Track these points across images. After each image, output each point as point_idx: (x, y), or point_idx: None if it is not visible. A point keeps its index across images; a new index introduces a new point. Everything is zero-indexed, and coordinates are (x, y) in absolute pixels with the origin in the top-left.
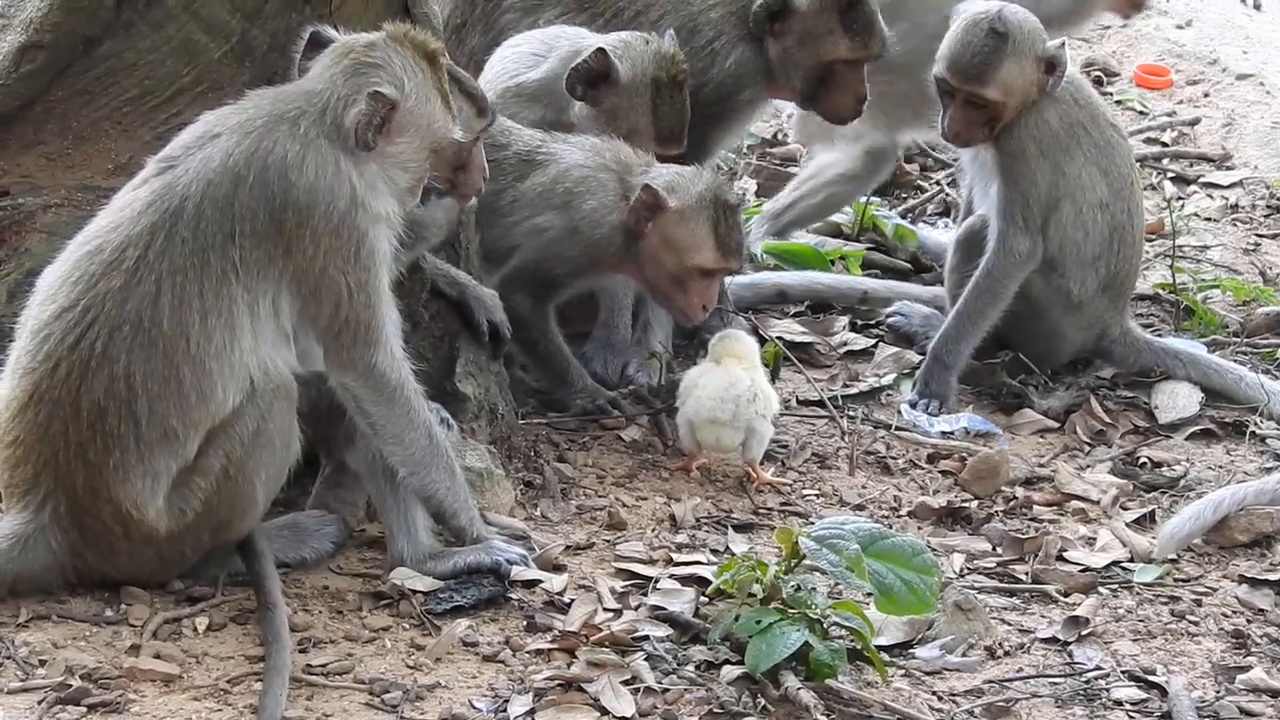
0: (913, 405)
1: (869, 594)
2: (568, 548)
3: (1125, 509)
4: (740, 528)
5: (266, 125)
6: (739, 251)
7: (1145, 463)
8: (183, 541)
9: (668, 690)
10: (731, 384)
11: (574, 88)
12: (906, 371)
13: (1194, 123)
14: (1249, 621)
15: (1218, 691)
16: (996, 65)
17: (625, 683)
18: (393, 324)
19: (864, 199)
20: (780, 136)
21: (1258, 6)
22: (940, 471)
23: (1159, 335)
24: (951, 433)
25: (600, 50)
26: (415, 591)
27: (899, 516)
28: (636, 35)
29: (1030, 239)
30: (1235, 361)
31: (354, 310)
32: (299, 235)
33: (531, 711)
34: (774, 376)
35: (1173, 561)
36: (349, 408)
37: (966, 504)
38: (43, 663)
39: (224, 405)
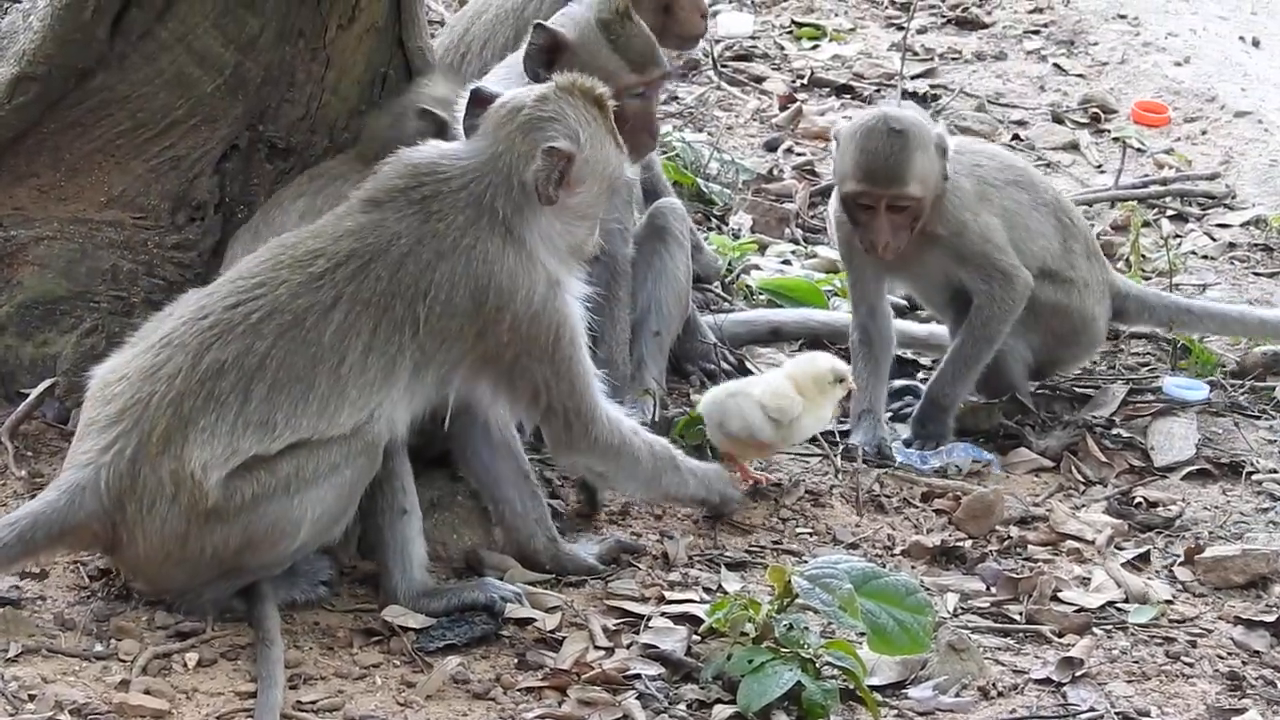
0: (907, 445)
1: (862, 633)
2: (560, 584)
3: (1120, 549)
4: (733, 566)
5: (472, 214)
6: None
7: (1141, 503)
8: (211, 536)
9: None
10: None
11: (534, 73)
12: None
13: (1209, 176)
14: (1244, 663)
15: None
16: (909, 162)
17: None
18: (597, 386)
19: None
20: (775, 172)
21: (1256, 44)
22: (934, 510)
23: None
24: (944, 468)
25: (537, 25)
26: (407, 629)
27: (892, 555)
28: (567, 6)
29: (1020, 275)
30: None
31: (557, 397)
32: (498, 319)
33: None
34: None
35: (1167, 602)
36: (579, 470)
37: (960, 543)
38: (32, 697)
39: (332, 428)
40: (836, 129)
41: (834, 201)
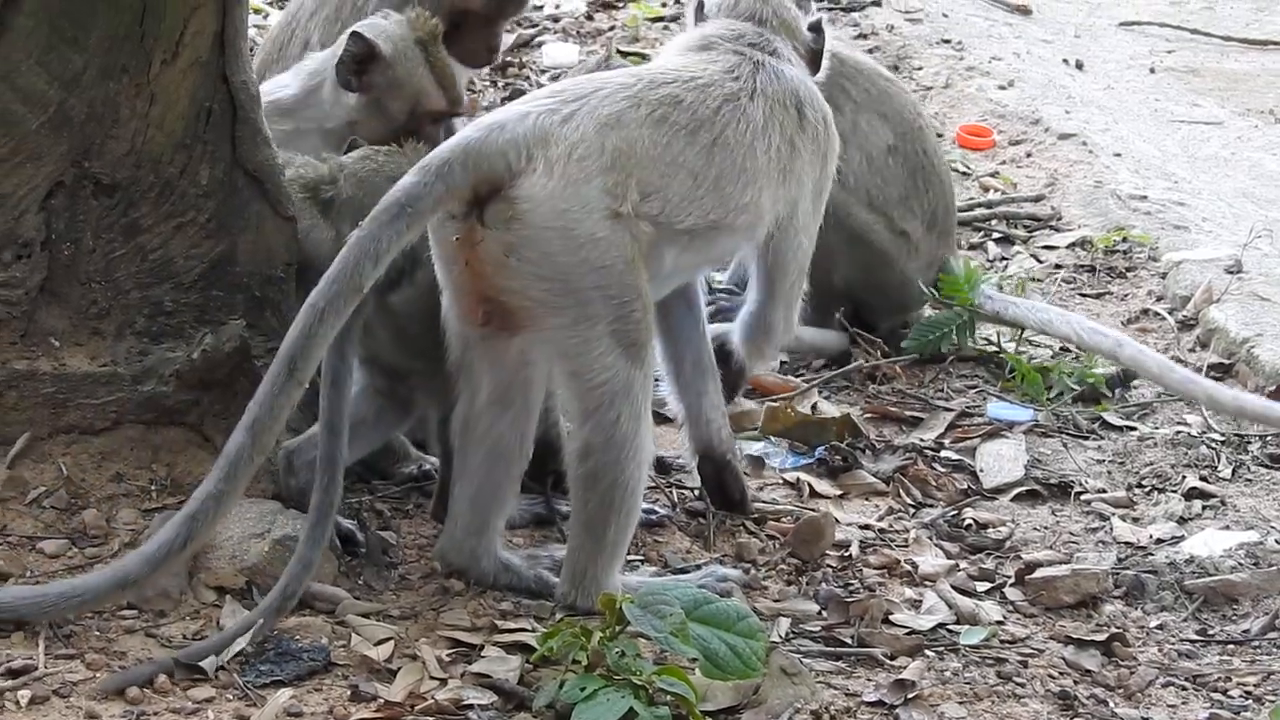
0: None
1: (694, 659)
2: (392, 616)
3: (951, 571)
4: None
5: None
6: None
7: (971, 524)
8: None
9: None
10: None
11: (346, 80)
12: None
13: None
14: (1076, 682)
15: None
16: None
17: None
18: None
19: None
20: None
21: (1080, 66)
22: (767, 535)
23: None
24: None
25: (355, 33)
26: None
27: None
28: (374, 16)
29: None
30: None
31: (801, 248)
32: (830, 155)
33: None
34: None
35: (998, 623)
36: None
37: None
38: None
39: (741, 204)
40: None
41: None
